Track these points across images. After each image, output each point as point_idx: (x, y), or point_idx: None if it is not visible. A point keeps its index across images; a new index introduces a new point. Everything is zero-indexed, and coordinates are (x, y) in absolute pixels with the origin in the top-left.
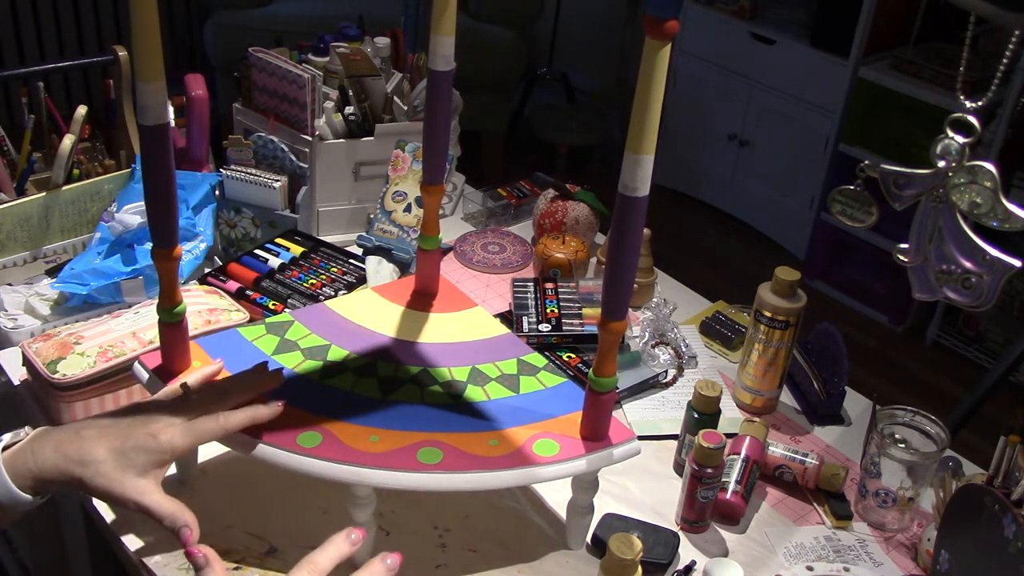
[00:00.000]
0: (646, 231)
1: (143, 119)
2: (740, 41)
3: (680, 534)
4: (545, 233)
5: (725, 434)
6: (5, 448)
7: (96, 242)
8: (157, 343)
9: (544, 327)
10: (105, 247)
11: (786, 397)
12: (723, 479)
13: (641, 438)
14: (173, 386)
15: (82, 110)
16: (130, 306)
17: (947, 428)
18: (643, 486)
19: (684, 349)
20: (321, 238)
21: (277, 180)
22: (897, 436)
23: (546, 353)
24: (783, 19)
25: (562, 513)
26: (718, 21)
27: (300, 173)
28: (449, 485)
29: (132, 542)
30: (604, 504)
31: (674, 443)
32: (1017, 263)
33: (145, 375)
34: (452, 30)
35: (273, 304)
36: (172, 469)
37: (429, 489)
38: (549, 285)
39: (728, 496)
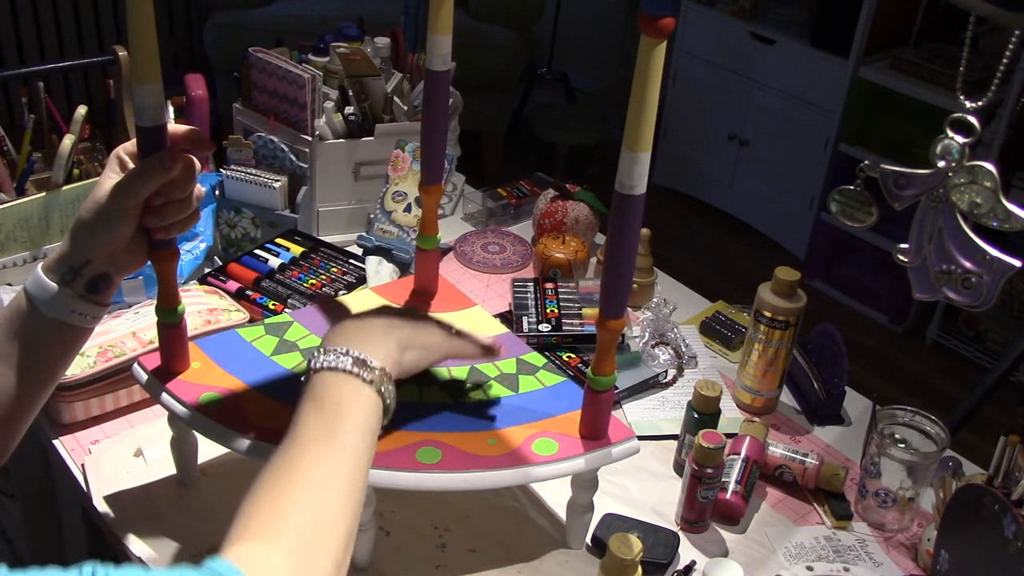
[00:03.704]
0: (646, 231)
1: (140, 120)
2: (740, 41)
3: (680, 534)
4: (545, 233)
5: (725, 434)
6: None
7: None
8: (157, 343)
9: (544, 327)
10: None
11: (786, 397)
12: (723, 479)
13: (641, 438)
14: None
15: (82, 110)
16: (130, 306)
17: (947, 428)
18: (643, 486)
19: (684, 349)
20: (321, 238)
21: (277, 180)
22: (897, 436)
23: (546, 353)
24: (783, 19)
25: (562, 513)
26: (718, 21)
27: (300, 173)
28: (448, 485)
29: (132, 542)
30: (604, 504)
31: (674, 443)
32: (1017, 263)
33: (144, 376)
34: (449, 30)
35: (273, 304)
36: (172, 470)
37: (428, 489)
38: (549, 285)
39: (728, 496)
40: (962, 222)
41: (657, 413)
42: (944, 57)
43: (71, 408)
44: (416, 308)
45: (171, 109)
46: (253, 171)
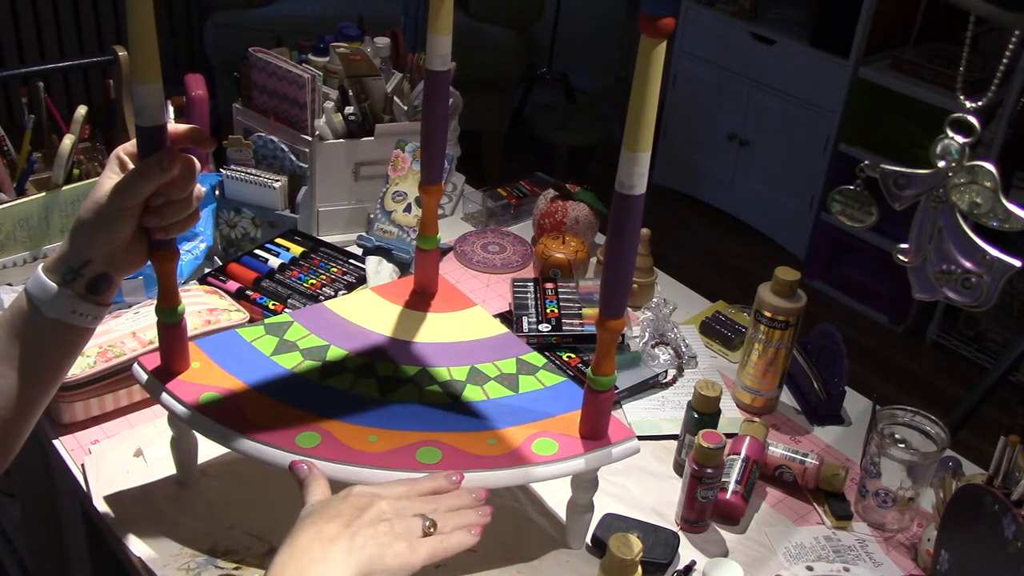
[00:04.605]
0: (646, 231)
1: (140, 120)
2: (740, 41)
3: (680, 534)
4: (545, 233)
5: (725, 434)
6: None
7: None
8: (157, 343)
9: (544, 327)
10: None
11: (786, 397)
12: (723, 479)
13: (641, 438)
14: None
15: (82, 110)
16: (130, 306)
17: (947, 428)
18: (643, 486)
19: (684, 349)
20: (321, 238)
21: (277, 180)
22: (897, 436)
23: (546, 353)
24: (783, 19)
25: (562, 513)
26: (718, 21)
27: (300, 173)
28: None
29: (132, 542)
30: (604, 504)
31: (674, 443)
32: (1017, 263)
33: (144, 376)
34: (449, 30)
35: (273, 304)
36: (172, 470)
37: None
38: (549, 285)
39: (728, 496)
40: (962, 222)
41: (657, 413)
42: (944, 57)
43: (71, 408)
44: (399, 487)
45: (171, 109)
46: (253, 171)
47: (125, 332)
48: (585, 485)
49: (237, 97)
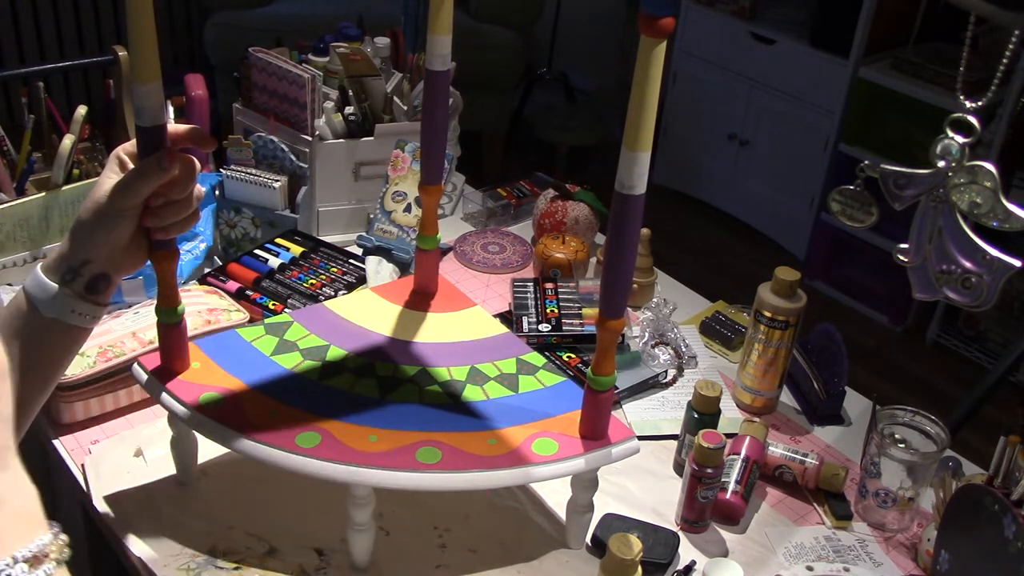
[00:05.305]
0: (646, 231)
1: (140, 120)
2: (740, 41)
3: (680, 534)
4: (545, 233)
5: (725, 434)
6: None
7: None
8: (157, 343)
9: (544, 327)
10: None
11: (786, 397)
12: (723, 479)
13: (641, 438)
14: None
15: (82, 110)
16: (130, 306)
17: (947, 428)
18: (643, 486)
19: (684, 349)
20: (321, 238)
21: (277, 180)
22: (897, 436)
23: (546, 353)
24: (783, 19)
25: (562, 513)
26: (718, 21)
27: (300, 173)
28: (448, 484)
29: (132, 542)
30: (604, 504)
31: (674, 443)
32: (1017, 263)
33: (144, 376)
34: (449, 30)
35: (273, 304)
36: (171, 470)
37: (428, 489)
38: (549, 285)
39: (728, 496)
40: (962, 222)
41: (657, 413)
42: (944, 57)
43: (71, 408)
44: None
45: (171, 109)
46: (253, 171)
47: (125, 332)
48: (585, 485)
49: (237, 97)
